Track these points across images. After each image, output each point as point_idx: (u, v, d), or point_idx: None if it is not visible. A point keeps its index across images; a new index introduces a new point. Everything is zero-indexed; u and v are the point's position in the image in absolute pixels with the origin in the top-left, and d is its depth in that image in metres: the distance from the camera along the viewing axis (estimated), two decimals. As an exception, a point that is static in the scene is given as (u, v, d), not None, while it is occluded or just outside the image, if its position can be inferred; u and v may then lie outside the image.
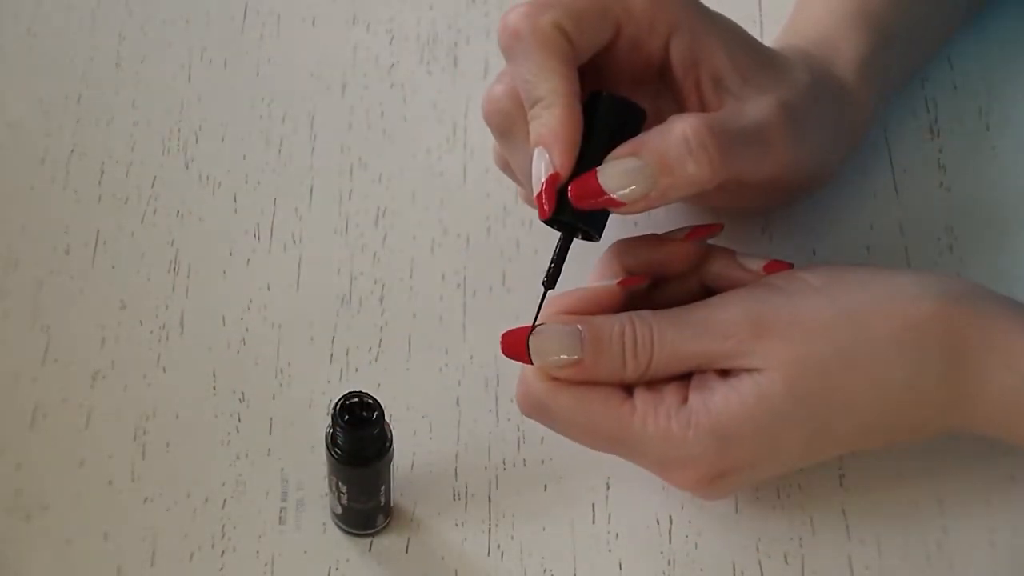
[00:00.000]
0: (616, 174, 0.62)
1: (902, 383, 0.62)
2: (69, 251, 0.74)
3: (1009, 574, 0.66)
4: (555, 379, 0.63)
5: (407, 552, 0.67)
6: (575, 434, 0.64)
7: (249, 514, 0.67)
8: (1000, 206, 0.76)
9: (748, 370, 0.62)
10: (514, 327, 0.64)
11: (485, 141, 0.77)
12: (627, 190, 0.62)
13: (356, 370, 0.71)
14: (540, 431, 0.69)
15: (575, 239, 0.64)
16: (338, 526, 0.67)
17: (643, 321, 0.63)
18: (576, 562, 0.67)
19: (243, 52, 0.81)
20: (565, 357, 0.63)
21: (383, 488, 0.65)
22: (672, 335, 0.62)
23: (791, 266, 0.66)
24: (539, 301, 0.64)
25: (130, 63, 0.81)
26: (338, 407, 0.62)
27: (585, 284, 0.65)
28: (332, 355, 0.72)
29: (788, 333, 0.62)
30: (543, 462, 0.69)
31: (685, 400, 0.62)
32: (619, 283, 0.65)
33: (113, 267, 0.74)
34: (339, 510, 0.66)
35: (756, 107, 0.65)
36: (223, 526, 0.67)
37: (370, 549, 0.67)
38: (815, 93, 0.68)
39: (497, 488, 0.68)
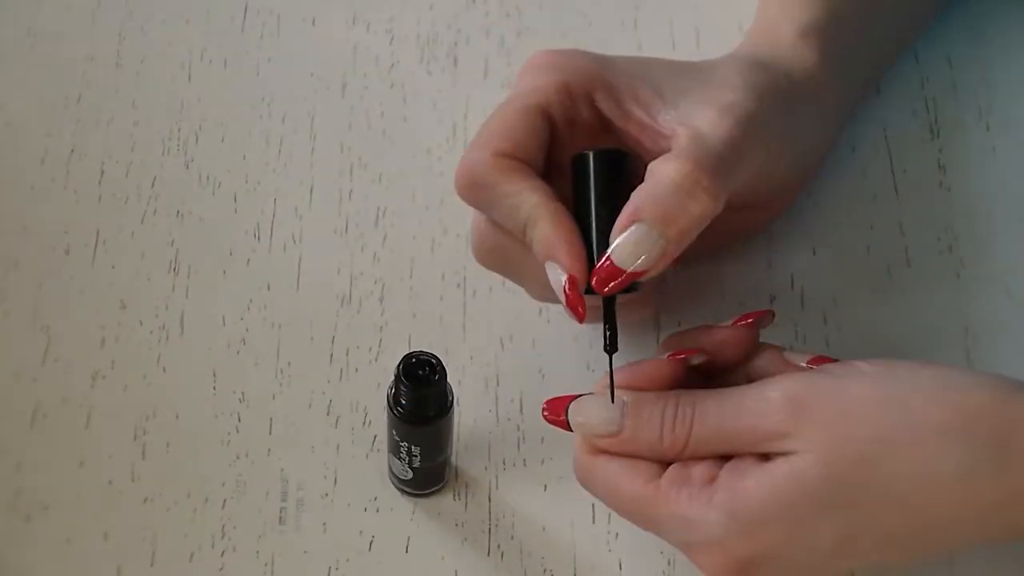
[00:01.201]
0: (627, 249, 0.62)
1: (950, 475, 0.58)
2: (69, 251, 0.74)
3: (1009, 574, 0.66)
4: (597, 452, 0.62)
5: (407, 552, 0.67)
6: (613, 508, 0.63)
7: (249, 514, 0.67)
8: (1000, 206, 0.76)
9: (785, 454, 0.59)
10: (556, 396, 0.63)
11: (485, 141, 0.77)
12: (643, 259, 0.62)
13: (356, 370, 0.71)
14: (540, 431, 0.69)
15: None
16: (403, 491, 0.67)
17: (687, 397, 0.62)
18: (576, 562, 0.67)
19: (243, 52, 0.81)
20: (603, 427, 0.62)
21: (450, 440, 0.66)
22: (714, 411, 0.61)
23: (836, 361, 0.63)
24: (609, 368, 0.63)
25: (130, 63, 0.81)
26: (401, 367, 0.63)
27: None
28: (332, 355, 0.72)
29: (828, 415, 0.59)
30: (543, 462, 0.69)
31: (713, 479, 0.60)
32: (669, 356, 0.63)
33: (113, 267, 0.74)
34: (408, 475, 0.66)
35: (710, 122, 0.64)
36: (223, 526, 0.67)
37: (370, 549, 0.67)
38: (759, 86, 0.66)
39: (497, 488, 0.68)
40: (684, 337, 0.65)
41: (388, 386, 0.64)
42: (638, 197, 0.62)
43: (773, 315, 0.65)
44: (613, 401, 0.62)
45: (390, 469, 0.67)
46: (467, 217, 0.75)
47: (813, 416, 0.59)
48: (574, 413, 0.63)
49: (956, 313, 0.73)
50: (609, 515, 0.67)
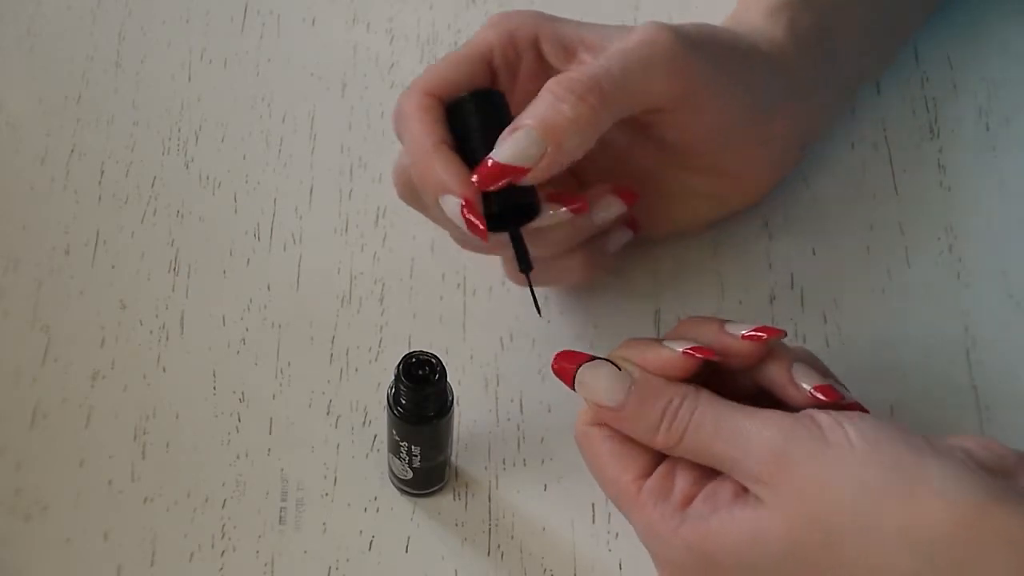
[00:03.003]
0: (506, 148, 0.64)
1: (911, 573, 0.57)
2: (69, 251, 0.74)
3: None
4: (598, 425, 0.63)
5: (407, 552, 0.67)
6: (597, 482, 0.64)
7: (249, 514, 0.67)
8: (1000, 206, 0.76)
9: (757, 498, 0.59)
10: (574, 350, 0.64)
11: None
12: (523, 156, 0.63)
13: (356, 370, 0.71)
14: (540, 431, 0.69)
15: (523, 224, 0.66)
16: (403, 491, 0.67)
17: (691, 400, 0.62)
18: (576, 562, 0.67)
19: (243, 52, 0.81)
20: (606, 398, 0.62)
21: (450, 440, 0.66)
22: (709, 427, 0.61)
23: (842, 397, 0.62)
24: (529, 285, 0.66)
25: (130, 63, 0.81)
26: (401, 367, 0.63)
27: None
28: (332, 355, 0.72)
29: (805, 483, 0.59)
30: (543, 462, 0.69)
31: (689, 502, 0.61)
32: (686, 351, 0.63)
33: (113, 267, 0.74)
34: (408, 475, 0.66)
35: (622, 41, 0.66)
36: (223, 526, 0.67)
37: (370, 549, 0.67)
38: (708, 29, 0.68)
39: (497, 488, 0.68)
40: (701, 328, 0.64)
41: (388, 386, 0.64)
42: (524, 112, 0.64)
43: (784, 334, 0.65)
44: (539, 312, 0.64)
45: (390, 469, 0.67)
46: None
47: (791, 479, 0.59)
48: (582, 375, 0.63)
49: (956, 313, 0.73)
50: (609, 515, 0.67)
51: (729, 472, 0.61)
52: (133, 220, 0.75)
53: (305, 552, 0.67)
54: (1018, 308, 0.73)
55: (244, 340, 0.72)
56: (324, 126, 0.79)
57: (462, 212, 0.64)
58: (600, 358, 0.63)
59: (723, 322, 0.64)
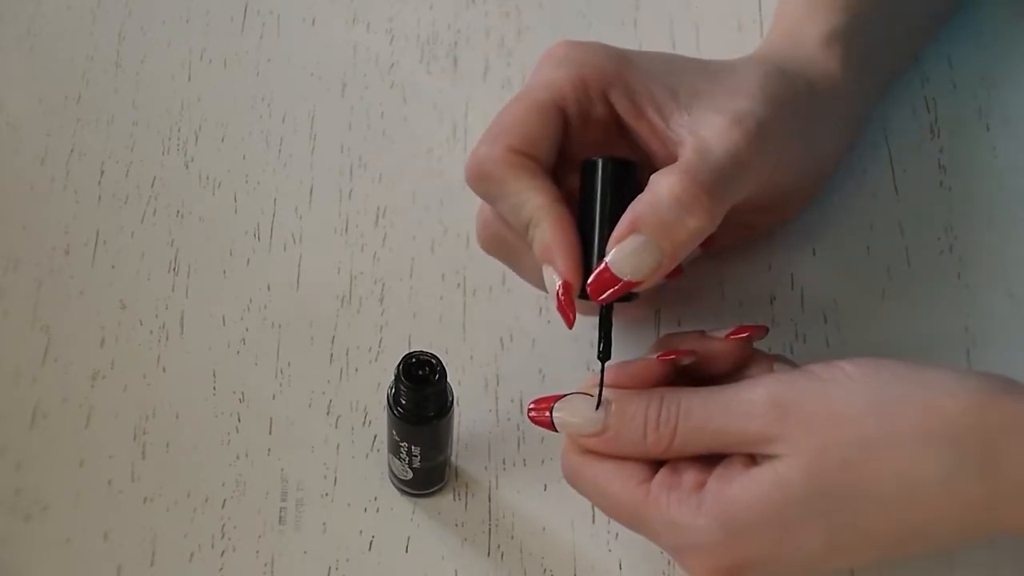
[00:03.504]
0: (624, 258, 0.62)
1: (934, 480, 0.58)
2: (69, 251, 0.74)
3: (1009, 574, 0.66)
4: (587, 453, 0.63)
5: (407, 552, 0.67)
6: (602, 509, 0.64)
7: (249, 514, 0.67)
8: (1000, 206, 0.76)
9: (770, 457, 0.60)
10: (545, 395, 0.64)
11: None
12: (639, 270, 0.62)
13: (356, 370, 0.71)
14: (540, 431, 0.69)
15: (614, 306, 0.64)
16: (403, 491, 0.67)
17: (671, 396, 0.62)
18: (576, 562, 0.67)
19: (243, 52, 0.81)
20: (587, 426, 0.62)
21: (450, 440, 0.66)
22: (698, 411, 0.61)
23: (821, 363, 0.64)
24: (600, 375, 0.63)
25: (130, 63, 0.81)
26: (401, 367, 0.63)
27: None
28: (332, 355, 0.72)
29: (813, 420, 0.59)
30: (543, 462, 0.69)
31: (702, 486, 0.61)
32: (658, 356, 0.63)
33: (113, 267, 0.74)
34: (408, 475, 0.66)
35: (718, 130, 0.64)
36: (223, 526, 0.67)
37: (370, 549, 0.67)
38: (777, 93, 0.66)
39: (497, 488, 0.68)
40: (676, 339, 0.65)
41: (388, 386, 0.64)
42: (637, 207, 0.62)
43: (767, 330, 0.65)
44: (598, 408, 0.62)
45: (390, 469, 0.67)
46: (467, 217, 0.75)
47: (798, 420, 0.59)
48: (559, 411, 0.63)
49: (956, 313, 0.73)
50: (609, 515, 0.68)
51: (734, 447, 0.60)
52: (133, 220, 0.75)
53: (305, 552, 0.67)
54: (1018, 308, 0.73)
55: (244, 340, 0.72)
56: (324, 126, 0.79)
57: (558, 293, 0.63)
58: (571, 393, 0.63)
59: (703, 331, 0.65)
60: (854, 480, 0.59)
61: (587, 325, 0.71)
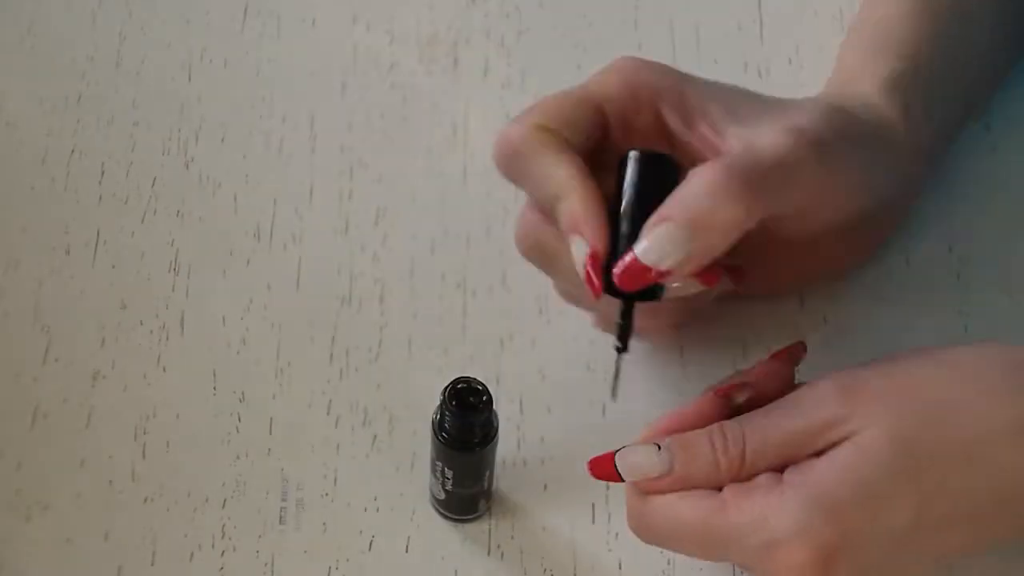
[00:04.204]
0: (653, 247, 0.61)
1: (1010, 429, 0.58)
2: (69, 251, 0.74)
3: (1009, 574, 0.66)
4: (651, 494, 0.62)
5: (407, 552, 0.67)
6: (683, 547, 0.62)
7: (249, 514, 0.67)
8: (1000, 206, 0.76)
9: (846, 436, 0.59)
10: (597, 456, 0.62)
11: (485, 141, 0.77)
12: (669, 259, 0.61)
13: (356, 370, 0.71)
14: (540, 431, 0.69)
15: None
16: (439, 512, 0.67)
17: (730, 422, 0.61)
18: (576, 562, 0.67)
19: (243, 52, 0.81)
20: (656, 467, 0.61)
21: (487, 473, 0.65)
22: (762, 421, 0.61)
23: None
24: (615, 368, 0.63)
25: (130, 63, 0.81)
26: (448, 392, 0.63)
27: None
28: (332, 355, 0.72)
29: (881, 391, 0.59)
30: (543, 462, 0.69)
31: (780, 482, 0.59)
32: (715, 392, 0.63)
33: (113, 267, 0.74)
34: (442, 496, 0.66)
35: (769, 136, 0.63)
36: (223, 526, 0.67)
37: (370, 549, 0.67)
38: (836, 122, 0.65)
39: (497, 488, 0.68)
40: (724, 380, 0.64)
41: (434, 411, 0.64)
42: (671, 199, 0.61)
43: (805, 347, 0.65)
44: (613, 397, 0.61)
45: (429, 486, 0.67)
46: (467, 217, 0.75)
47: (867, 395, 0.59)
48: (622, 461, 0.62)
49: (956, 313, 0.73)
50: (609, 515, 0.67)
51: (808, 444, 0.59)
52: (133, 220, 0.75)
53: (305, 552, 0.67)
54: (1018, 308, 0.73)
55: (244, 340, 0.72)
56: (324, 126, 0.79)
57: (587, 261, 0.62)
58: (626, 446, 0.62)
59: (742, 371, 0.64)
60: (933, 438, 0.58)
61: (587, 325, 0.71)
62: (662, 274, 0.61)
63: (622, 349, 0.63)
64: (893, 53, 0.71)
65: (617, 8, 0.83)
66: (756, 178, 0.61)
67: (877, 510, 0.58)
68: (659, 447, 0.61)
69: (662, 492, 0.61)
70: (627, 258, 0.61)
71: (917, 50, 0.71)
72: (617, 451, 0.62)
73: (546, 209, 0.64)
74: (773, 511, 0.58)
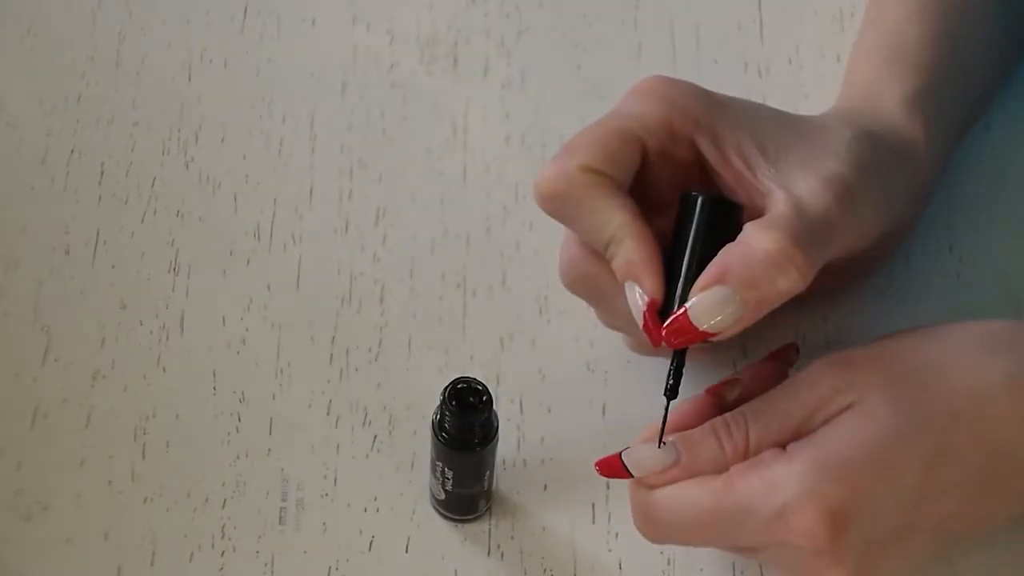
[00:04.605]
0: (706, 309, 0.60)
1: (999, 384, 0.60)
2: (69, 251, 0.74)
3: (1009, 574, 0.66)
4: (653, 489, 0.62)
5: (407, 552, 0.67)
6: (692, 535, 0.62)
7: (249, 514, 0.67)
8: (1000, 206, 0.76)
9: (845, 408, 0.60)
10: (602, 457, 0.63)
11: (485, 141, 0.77)
12: (719, 323, 0.60)
13: (356, 370, 0.71)
14: (540, 431, 0.69)
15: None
16: (439, 512, 0.67)
17: (732, 411, 0.62)
18: (576, 562, 0.67)
19: (243, 52, 0.81)
20: (663, 460, 0.61)
21: (487, 473, 0.65)
22: (763, 406, 0.61)
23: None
24: (664, 413, 0.62)
25: (130, 63, 0.81)
26: (448, 392, 0.63)
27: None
28: (332, 355, 0.72)
29: (876, 361, 0.61)
30: (543, 462, 0.69)
31: (784, 452, 0.60)
32: (707, 391, 0.63)
33: (113, 267, 0.74)
34: (441, 496, 0.66)
35: (811, 193, 0.62)
36: (223, 526, 0.67)
37: (370, 549, 0.67)
38: (863, 158, 0.65)
39: (497, 488, 0.68)
40: (722, 380, 0.65)
41: (434, 411, 0.64)
42: (728, 258, 0.61)
43: (798, 349, 0.66)
44: (661, 445, 0.62)
45: (429, 487, 0.67)
46: (467, 217, 0.75)
47: (860, 366, 0.61)
48: (629, 458, 0.62)
49: (956, 313, 0.73)
50: (609, 515, 0.67)
51: (808, 419, 0.60)
52: (133, 220, 0.75)
53: (305, 552, 0.67)
54: (1018, 308, 0.73)
55: (244, 340, 0.72)
56: (324, 126, 0.79)
57: (643, 312, 0.62)
58: (627, 448, 0.63)
59: (735, 373, 0.65)
60: (931, 399, 0.60)
61: (587, 325, 0.71)
62: (710, 335, 0.61)
63: (673, 396, 0.63)
64: (910, 65, 0.70)
65: (617, 8, 0.83)
66: (812, 244, 0.61)
67: (885, 472, 0.59)
68: (663, 443, 0.62)
69: (669, 484, 0.61)
70: (678, 315, 0.61)
71: (930, 57, 0.71)
72: (622, 451, 0.62)
73: (594, 247, 0.64)
74: (781, 477, 0.59)
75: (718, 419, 0.62)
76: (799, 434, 0.60)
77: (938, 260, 0.74)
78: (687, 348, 0.63)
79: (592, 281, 0.65)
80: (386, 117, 0.79)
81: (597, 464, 0.63)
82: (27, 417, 0.69)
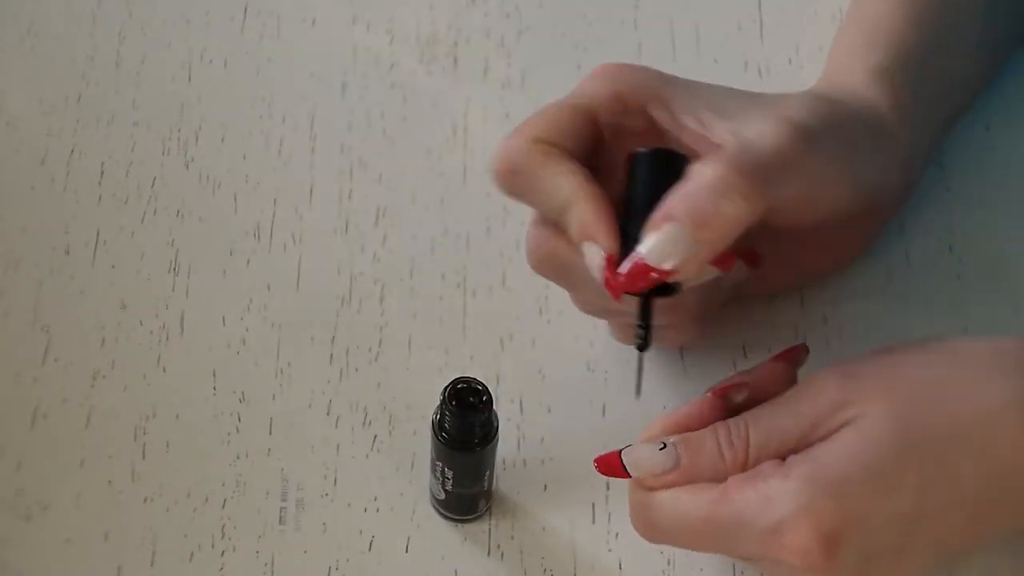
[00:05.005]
0: (657, 247, 0.61)
1: (1009, 406, 0.59)
2: (69, 251, 0.74)
3: (1009, 574, 0.66)
4: (653, 491, 0.62)
5: (407, 551, 0.67)
6: (688, 541, 0.62)
7: (249, 514, 0.67)
8: (1000, 206, 0.76)
9: (849, 422, 0.59)
10: (602, 453, 0.63)
11: (485, 141, 0.77)
12: (674, 258, 0.61)
13: (356, 370, 0.71)
14: (540, 431, 0.69)
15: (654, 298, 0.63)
16: (439, 512, 0.67)
17: (734, 418, 0.62)
18: (576, 562, 0.67)
19: (243, 52, 0.81)
20: (662, 462, 0.61)
21: (487, 473, 0.65)
22: (765, 414, 0.61)
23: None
24: (637, 366, 0.63)
25: (130, 63, 0.81)
26: (448, 392, 0.63)
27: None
28: (332, 355, 0.72)
29: (882, 376, 0.60)
30: (543, 462, 0.69)
31: (782, 466, 0.60)
32: (711, 392, 0.63)
33: (113, 267, 0.74)
34: (441, 496, 0.66)
35: (762, 127, 0.63)
36: (223, 526, 0.67)
37: (370, 549, 0.67)
38: (821, 111, 0.65)
39: (497, 488, 0.68)
40: (727, 380, 0.64)
41: (434, 411, 0.64)
42: (673, 197, 0.61)
43: (807, 350, 0.65)
44: (638, 395, 0.62)
45: (430, 487, 0.67)
46: (467, 217, 0.75)
47: (866, 381, 0.60)
48: (628, 458, 0.62)
49: (956, 313, 0.73)
50: (609, 515, 0.67)
51: (810, 432, 0.60)
52: (133, 220, 0.75)
53: (305, 552, 0.67)
54: (1018, 308, 0.73)
55: (244, 340, 0.72)
56: (324, 126, 0.79)
57: (603, 265, 0.62)
58: (628, 445, 0.62)
59: (744, 371, 0.64)
60: (935, 419, 0.59)
61: (587, 325, 0.71)
62: (667, 273, 0.61)
63: (644, 347, 0.63)
64: (881, 44, 0.71)
65: (617, 8, 0.83)
66: (756, 171, 0.61)
67: (881, 491, 0.58)
68: (664, 444, 0.61)
69: (670, 486, 0.61)
70: (632, 259, 0.61)
71: (906, 36, 0.71)
72: (622, 449, 0.62)
73: (554, 221, 0.64)
74: (777, 493, 0.59)
75: (720, 424, 0.61)
76: (800, 445, 0.60)
77: (938, 260, 0.74)
78: (652, 299, 0.62)
79: (557, 258, 0.65)
80: (386, 117, 0.79)
81: (596, 460, 0.63)
82: (27, 417, 0.69)
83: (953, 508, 0.60)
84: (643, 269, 0.61)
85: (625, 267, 0.61)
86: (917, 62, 0.71)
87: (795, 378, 0.64)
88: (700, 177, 0.61)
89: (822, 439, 0.60)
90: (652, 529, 0.62)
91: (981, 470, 0.59)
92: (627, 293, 0.62)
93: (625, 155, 0.64)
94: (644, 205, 0.62)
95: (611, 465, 0.62)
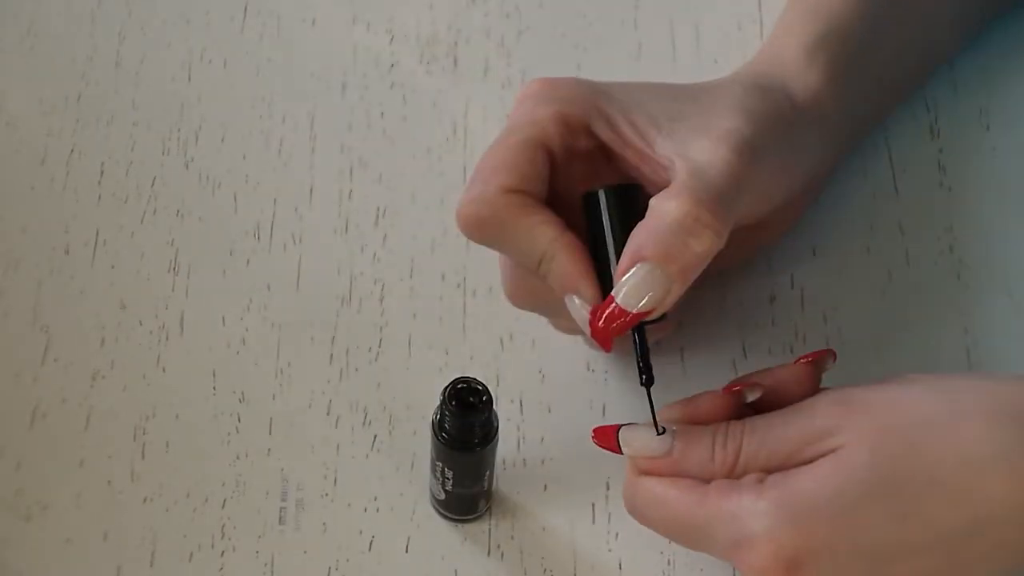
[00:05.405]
0: (633, 290, 0.61)
1: (994, 457, 0.58)
2: (69, 251, 0.74)
3: (1009, 574, 0.66)
4: (646, 474, 0.62)
5: (407, 551, 0.67)
6: (664, 530, 0.63)
7: (249, 514, 0.67)
8: (1000, 206, 0.76)
9: (833, 450, 0.59)
10: (604, 425, 0.63)
11: (485, 141, 0.77)
12: (648, 299, 0.61)
13: (356, 370, 0.71)
14: (540, 431, 0.69)
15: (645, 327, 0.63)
16: (439, 512, 0.67)
17: (735, 421, 0.62)
18: (576, 562, 0.67)
19: (243, 52, 0.81)
20: (655, 447, 0.62)
21: (487, 473, 0.65)
22: (762, 424, 0.61)
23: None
24: (648, 401, 0.62)
25: (130, 63, 0.81)
26: (448, 392, 0.63)
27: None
28: (332, 355, 0.72)
29: (875, 408, 0.60)
30: (543, 462, 0.69)
31: (763, 482, 0.60)
32: (725, 389, 0.63)
33: (113, 267, 0.74)
34: (441, 496, 0.66)
35: (709, 152, 0.63)
36: (223, 526, 0.67)
37: (370, 549, 0.67)
38: (756, 111, 0.65)
39: (497, 488, 0.68)
40: (743, 378, 0.64)
41: (434, 411, 0.64)
42: (639, 236, 0.61)
43: (835, 356, 0.65)
44: (658, 433, 0.62)
45: (430, 487, 0.67)
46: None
47: (860, 410, 0.60)
48: (624, 436, 0.62)
49: (956, 313, 0.73)
50: (609, 515, 0.67)
51: (797, 453, 0.60)
52: (133, 220, 0.75)
53: (305, 552, 0.67)
54: (1018, 308, 0.73)
55: (244, 340, 0.72)
56: (324, 126, 0.79)
57: (590, 319, 0.62)
58: (632, 423, 0.63)
59: (767, 368, 0.64)
60: (917, 462, 0.58)
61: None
62: (642, 315, 0.61)
63: (647, 383, 0.63)
64: (820, 14, 0.71)
65: (617, 8, 0.83)
66: (719, 202, 0.61)
67: (848, 526, 0.58)
68: (663, 430, 0.62)
69: (658, 474, 0.62)
70: (609, 305, 0.62)
71: (842, 13, 0.71)
72: (622, 425, 0.63)
73: (527, 267, 0.64)
74: (746, 511, 0.59)
75: (721, 425, 0.62)
76: (787, 463, 0.60)
77: (938, 260, 0.74)
78: (644, 333, 0.63)
79: (536, 296, 0.66)
80: (386, 117, 0.79)
81: (594, 431, 0.63)
82: (27, 417, 0.69)
83: (929, 550, 0.59)
84: (620, 314, 0.61)
85: (602, 317, 0.62)
86: (855, 35, 0.71)
87: (819, 382, 0.64)
88: (666, 215, 0.61)
89: (805, 463, 0.60)
90: (636, 512, 0.63)
91: (961, 514, 0.58)
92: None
93: (577, 177, 0.65)
94: (609, 243, 0.63)
95: (607, 438, 0.63)
